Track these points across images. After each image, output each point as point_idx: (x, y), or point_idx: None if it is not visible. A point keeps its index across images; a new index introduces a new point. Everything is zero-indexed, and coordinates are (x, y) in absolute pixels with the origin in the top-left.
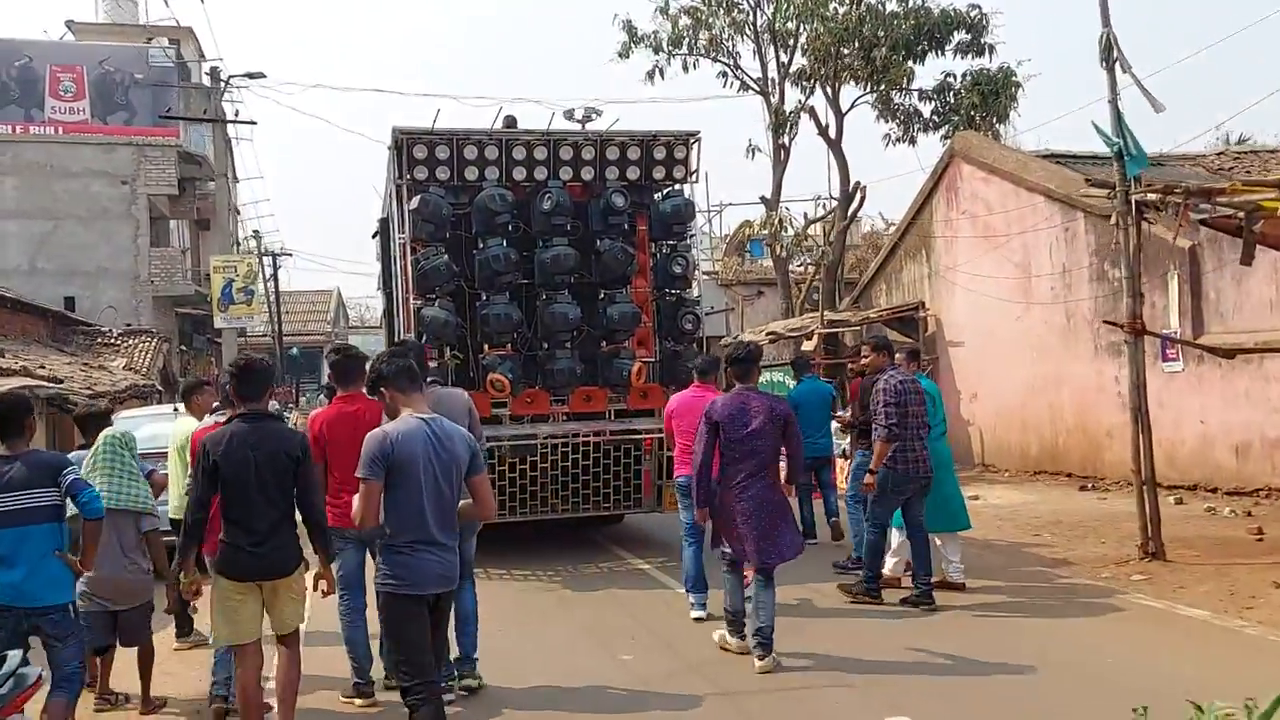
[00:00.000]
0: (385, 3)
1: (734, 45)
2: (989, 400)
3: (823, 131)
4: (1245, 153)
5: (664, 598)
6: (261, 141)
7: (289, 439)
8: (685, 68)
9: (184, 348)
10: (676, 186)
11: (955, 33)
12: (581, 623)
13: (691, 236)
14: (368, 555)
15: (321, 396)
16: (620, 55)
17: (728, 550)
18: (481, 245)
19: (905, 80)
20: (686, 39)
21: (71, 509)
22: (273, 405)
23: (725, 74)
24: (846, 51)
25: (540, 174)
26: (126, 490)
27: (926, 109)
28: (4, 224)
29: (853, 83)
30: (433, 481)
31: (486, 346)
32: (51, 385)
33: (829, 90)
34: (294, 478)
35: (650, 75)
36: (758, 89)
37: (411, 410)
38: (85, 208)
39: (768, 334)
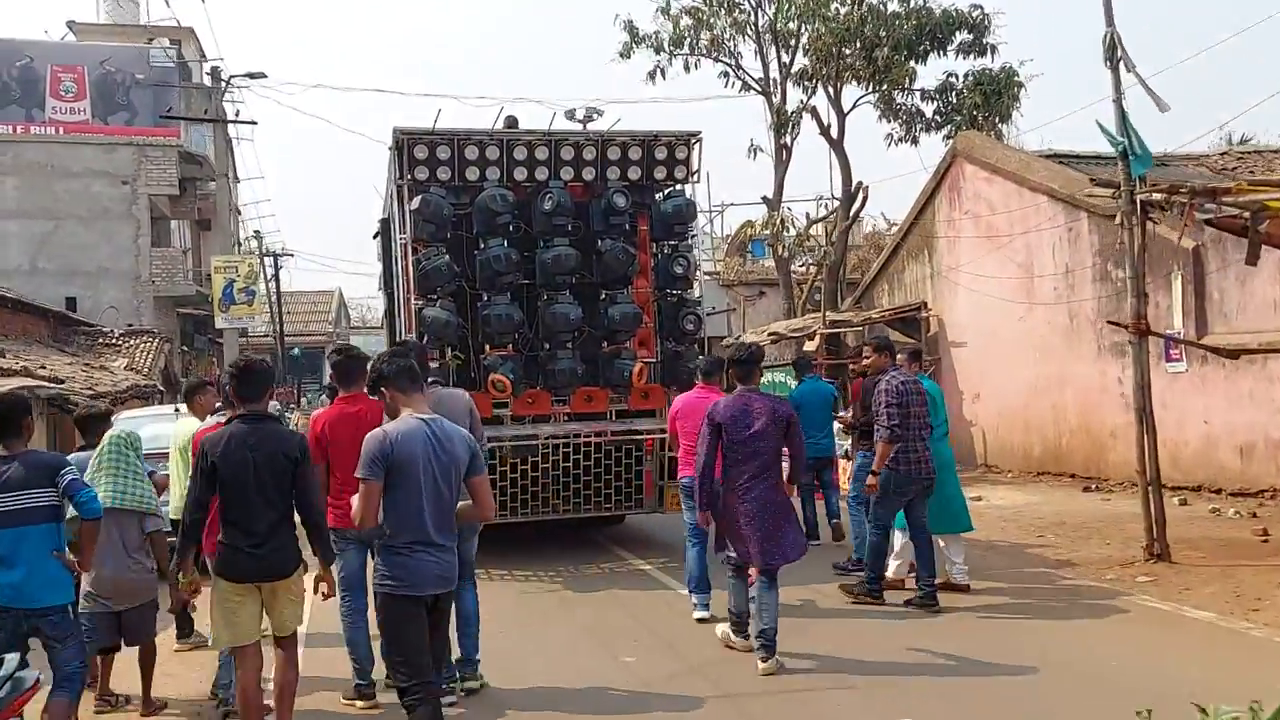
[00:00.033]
0: (385, 3)
1: (735, 45)
2: (991, 401)
3: (824, 131)
4: (1249, 153)
5: (665, 598)
6: (262, 141)
7: (288, 440)
8: (687, 68)
9: (185, 348)
10: (678, 187)
11: (957, 33)
12: (583, 624)
13: (693, 237)
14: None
15: (323, 397)
16: (622, 55)
17: (733, 555)
18: (483, 245)
19: (907, 80)
20: (688, 39)
21: (71, 510)
22: (273, 406)
23: (727, 74)
24: (848, 51)
25: (541, 174)
26: (131, 490)
27: (929, 109)
28: (5, 224)
29: (855, 83)
30: (432, 482)
31: (488, 347)
32: (52, 386)
33: (831, 90)
34: (293, 479)
35: (652, 75)
36: (759, 89)
37: (412, 410)
38: (86, 208)
39: (769, 334)
